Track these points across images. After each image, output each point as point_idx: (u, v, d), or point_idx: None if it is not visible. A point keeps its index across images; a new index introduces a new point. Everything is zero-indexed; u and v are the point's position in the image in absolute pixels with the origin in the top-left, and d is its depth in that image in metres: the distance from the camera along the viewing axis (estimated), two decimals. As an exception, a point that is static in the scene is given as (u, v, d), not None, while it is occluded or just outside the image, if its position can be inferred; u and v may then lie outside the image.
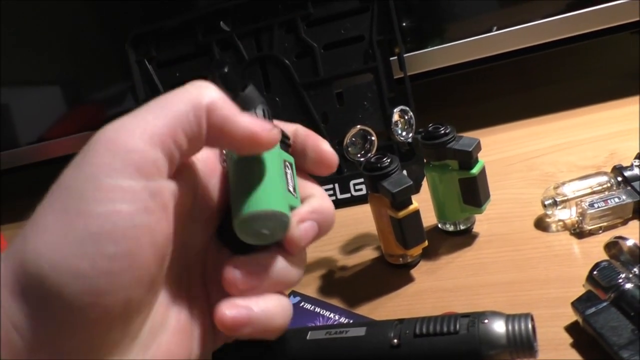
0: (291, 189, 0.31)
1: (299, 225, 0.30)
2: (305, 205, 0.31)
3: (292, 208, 0.31)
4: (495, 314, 0.36)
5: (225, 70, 0.32)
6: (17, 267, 0.23)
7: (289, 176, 0.32)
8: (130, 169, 0.24)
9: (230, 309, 0.28)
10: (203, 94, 0.27)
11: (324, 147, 0.33)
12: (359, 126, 0.49)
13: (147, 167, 0.25)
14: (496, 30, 0.68)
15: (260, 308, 0.29)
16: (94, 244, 0.23)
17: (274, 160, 0.31)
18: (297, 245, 0.30)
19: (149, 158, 0.25)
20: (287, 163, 0.32)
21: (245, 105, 0.31)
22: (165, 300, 0.28)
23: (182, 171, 0.28)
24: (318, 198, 0.32)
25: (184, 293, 0.30)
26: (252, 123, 0.28)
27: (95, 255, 0.23)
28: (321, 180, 0.65)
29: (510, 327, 0.35)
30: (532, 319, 0.35)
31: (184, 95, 0.27)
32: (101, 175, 0.24)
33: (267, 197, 0.29)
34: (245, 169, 0.30)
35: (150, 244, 0.25)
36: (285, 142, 0.33)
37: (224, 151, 0.32)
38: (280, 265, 0.31)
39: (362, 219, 0.61)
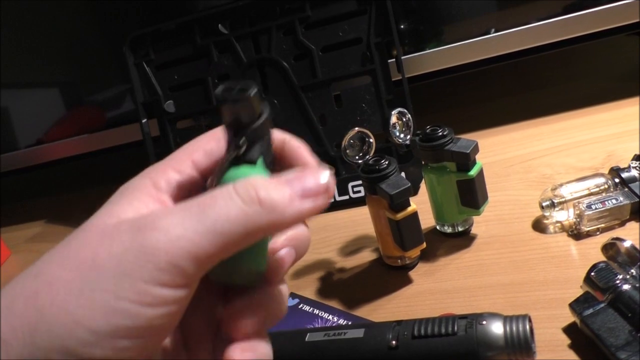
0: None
1: (275, 255, 0.29)
2: (282, 234, 0.30)
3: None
4: (493, 316, 0.36)
5: (251, 94, 0.26)
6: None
7: None
8: (165, 279, 0.23)
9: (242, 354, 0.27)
10: (260, 218, 0.24)
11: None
12: (357, 128, 0.49)
13: (181, 281, 0.23)
14: (494, 32, 0.68)
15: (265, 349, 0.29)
16: (110, 335, 0.22)
17: None
18: (277, 275, 0.29)
19: (186, 274, 0.23)
20: None
21: (255, 138, 0.27)
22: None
23: None
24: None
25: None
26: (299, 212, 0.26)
27: (107, 348, 0.22)
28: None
29: (508, 329, 0.35)
30: (530, 320, 0.36)
31: (235, 210, 0.24)
32: (136, 278, 0.22)
33: (252, 256, 0.27)
34: None
35: (161, 338, 0.25)
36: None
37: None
38: (276, 299, 0.30)
39: (360, 221, 0.61)
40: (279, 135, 0.31)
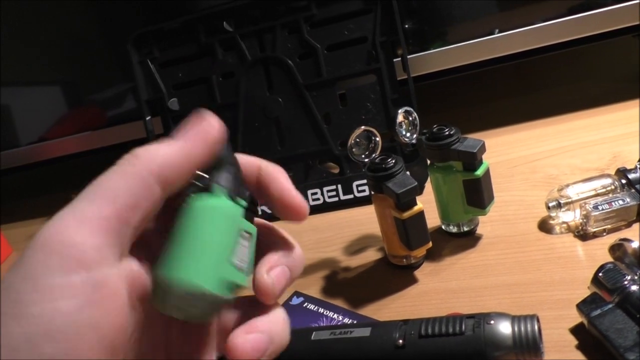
0: (238, 263, 0.27)
1: (269, 273, 0.29)
2: (274, 252, 0.30)
3: (235, 286, 0.27)
4: (501, 315, 0.36)
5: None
6: None
7: (240, 248, 0.28)
8: (68, 264, 0.23)
9: None
10: (147, 162, 0.26)
11: (291, 195, 0.31)
12: (363, 127, 0.49)
13: (86, 259, 0.23)
14: (498, 32, 0.68)
15: None
16: (30, 347, 0.22)
17: (227, 226, 0.27)
18: (270, 294, 0.29)
19: (88, 248, 0.23)
20: (246, 233, 0.29)
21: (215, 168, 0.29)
22: None
23: (145, 240, 0.28)
24: (286, 242, 0.32)
25: None
26: (187, 139, 0.28)
27: (31, 358, 0.22)
28: (324, 181, 0.66)
29: (516, 329, 0.35)
30: (538, 320, 0.35)
31: (120, 172, 0.26)
32: (37, 274, 0.22)
33: (190, 266, 0.25)
34: (186, 223, 0.27)
35: (97, 339, 0.23)
36: (250, 208, 0.30)
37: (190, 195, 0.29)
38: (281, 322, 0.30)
39: (364, 220, 0.61)
40: (253, 162, 0.31)
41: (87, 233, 0.24)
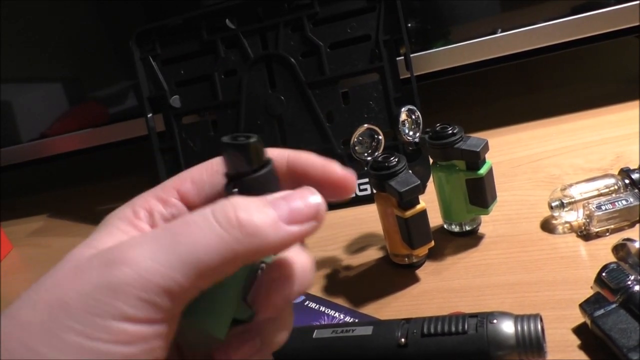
0: (247, 299, 0.26)
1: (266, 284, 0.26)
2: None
3: (239, 321, 0.26)
4: (504, 315, 0.36)
5: (251, 142, 0.25)
6: None
7: (250, 285, 0.26)
8: (137, 315, 0.22)
9: None
10: (240, 244, 0.22)
11: (330, 169, 0.27)
12: (366, 125, 0.49)
13: (156, 315, 0.22)
14: (501, 32, 0.68)
15: None
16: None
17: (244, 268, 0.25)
18: (264, 307, 0.26)
19: (161, 308, 0.22)
20: (264, 264, 0.26)
21: (251, 189, 0.25)
22: None
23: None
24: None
25: None
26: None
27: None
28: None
29: (519, 328, 0.35)
30: (541, 320, 0.35)
31: (210, 236, 0.22)
32: (106, 317, 0.21)
33: (212, 317, 0.25)
34: None
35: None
36: None
37: None
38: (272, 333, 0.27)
39: (366, 219, 0.61)
40: (279, 154, 0.28)
41: (161, 294, 0.22)
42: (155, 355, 0.22)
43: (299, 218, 0.24)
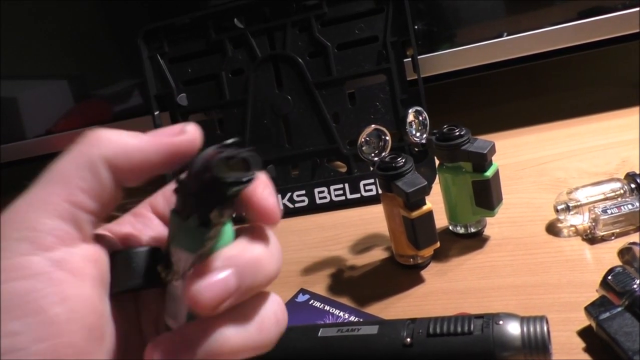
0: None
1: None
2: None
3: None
4: (510, 316, 0.36)
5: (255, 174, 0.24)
6: None
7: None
8: (24, 246, 0.23)
9: None
10: (93, 148, 0.25)
11: (259, 196, 0.27)
12: (373, 125, 0.49)
13: (42, 241, 0.23)
14: (507, 35, 0.68)
15: None
16: None
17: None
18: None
19: (42, 231, 0.24)
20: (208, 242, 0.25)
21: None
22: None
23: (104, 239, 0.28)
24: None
25: None
26: (158, 137, 0.26)
27: None
28: (331, 179, 0.66)
29: (525, 329, 0.35)
30: (547, 322, 0.35)
31: (73, 156, 0.25)
32: None
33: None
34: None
35: (67, 313, 0.23)
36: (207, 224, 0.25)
37: None
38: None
39: (371, 219, 0.61)
40: None
41: (40, 217, 0.24)
42: (59, 288, 0.23)
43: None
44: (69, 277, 0.24)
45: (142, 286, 0.27)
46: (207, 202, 0.24)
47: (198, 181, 0.23)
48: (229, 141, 0.24)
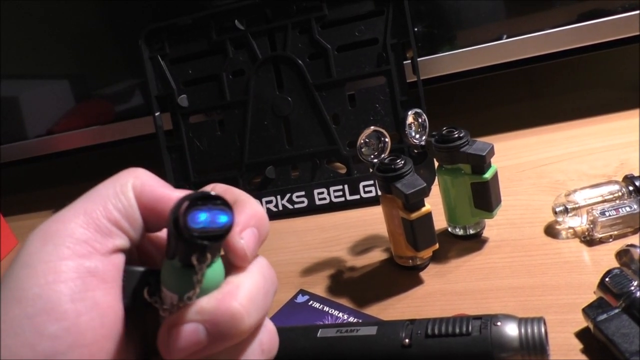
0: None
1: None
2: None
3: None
4: (508, 317, 0.36)
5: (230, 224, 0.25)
6: None
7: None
8: (62, 251, 0.25)
9: None
10: (128, 175, 0.28)
11: (237, 245, 0.28)
12: (372, 127, 0.49)
13: (79, 247, 0.25)
14: (506, 38, 0.68)
15: None
16: (32, 326, 0.23)
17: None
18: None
19: (80, 238, 0.25)
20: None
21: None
22: None
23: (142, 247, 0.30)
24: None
25: None
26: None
27: (34, 338, 0.23)
28: (331, 180, 0.66)
29: (522, 330, 0.35)
30: (545, 323, 0.36)
31: (111, 180, 0.28)
32: (34, 262, 0.24)
33: None
34: None
35: (98, 318, 0.24)
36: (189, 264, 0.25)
37: None
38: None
39: (370, 220, 0.62)
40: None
41: (78, 226, 0.26)
42: (92, 294, 0.25)
43: None
44: (100, 284, 0.25)
45: (129, 306, 0.27)
46: (185, 248, 0.24)
47: (173, 230, 0.24)
48: (203, 191, 0.25)
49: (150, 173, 0.29)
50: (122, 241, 0.27)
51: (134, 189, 0.28)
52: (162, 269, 0.26)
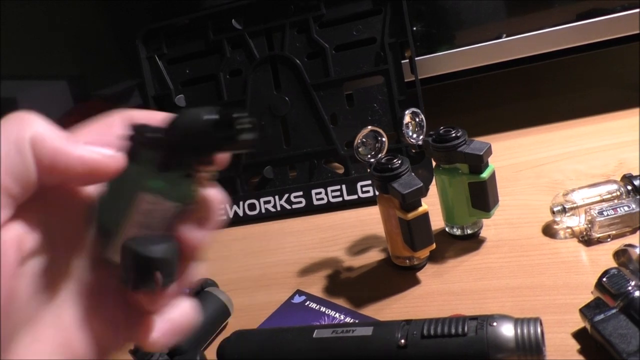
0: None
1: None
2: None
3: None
4: (504, 317, 0.36)
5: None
6: None
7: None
8: None
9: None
10: (24, 128, 0.24)
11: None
12: (369, 127, 0.49)
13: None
14: (505, 37, 0.68)
15: None
16: None
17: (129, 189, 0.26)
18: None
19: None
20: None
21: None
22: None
23: (29, 208, 0.25)
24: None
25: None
26: (89, 152, 0.25)
27: None
28: (329, 180, 0.66)
29: (519, 331, 0.35)
30: (541, 323, 0.35)
31: (3, 132, 0.24)
32: None
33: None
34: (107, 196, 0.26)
35: None
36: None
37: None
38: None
39: (368, 220, 0.61)
40: None
41: None
42: None
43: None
44: None
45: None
46: (194, 151, 0.24)
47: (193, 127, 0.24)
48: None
49: (44, 122, 0.25)
50: (9, 211, 0.24)
51: (33, 147, 0.24)
52: (152, 182, 0.25)
